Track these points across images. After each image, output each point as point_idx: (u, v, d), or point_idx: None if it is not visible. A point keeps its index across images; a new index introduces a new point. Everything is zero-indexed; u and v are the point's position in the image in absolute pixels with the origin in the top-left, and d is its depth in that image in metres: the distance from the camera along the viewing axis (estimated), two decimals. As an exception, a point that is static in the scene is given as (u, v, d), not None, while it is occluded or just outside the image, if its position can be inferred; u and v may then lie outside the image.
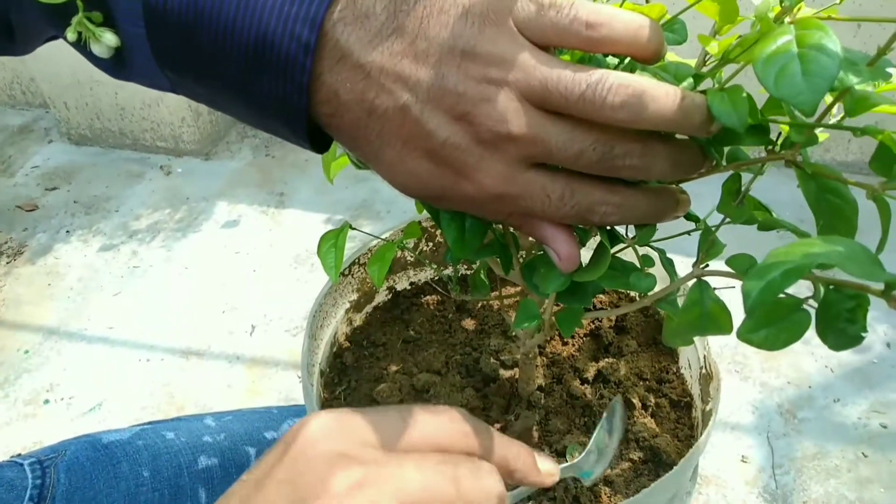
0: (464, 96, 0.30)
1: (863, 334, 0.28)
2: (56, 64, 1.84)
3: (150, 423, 0.64)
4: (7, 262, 1.62)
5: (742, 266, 0.32)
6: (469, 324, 0.62)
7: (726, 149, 0.35)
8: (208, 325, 1.40)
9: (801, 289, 0.31)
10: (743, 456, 1.05)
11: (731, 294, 0.36)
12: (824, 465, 1.03)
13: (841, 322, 0.26)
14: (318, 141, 0.35)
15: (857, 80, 0.26)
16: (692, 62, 0.38)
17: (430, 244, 0.63)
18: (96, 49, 0.32)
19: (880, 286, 0.24)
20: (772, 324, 0.29)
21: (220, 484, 0.60)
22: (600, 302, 0.63)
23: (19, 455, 0.57)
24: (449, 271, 0.54)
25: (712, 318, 0.35)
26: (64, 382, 1.31)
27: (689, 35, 0.37)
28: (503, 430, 0.51)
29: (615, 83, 0.29)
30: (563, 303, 0.39)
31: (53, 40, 0.41)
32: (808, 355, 1.19)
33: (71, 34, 0.31)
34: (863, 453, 1.04)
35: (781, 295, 0.31)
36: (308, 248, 1.56)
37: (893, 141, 0.28)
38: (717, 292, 0.36)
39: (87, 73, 1.83)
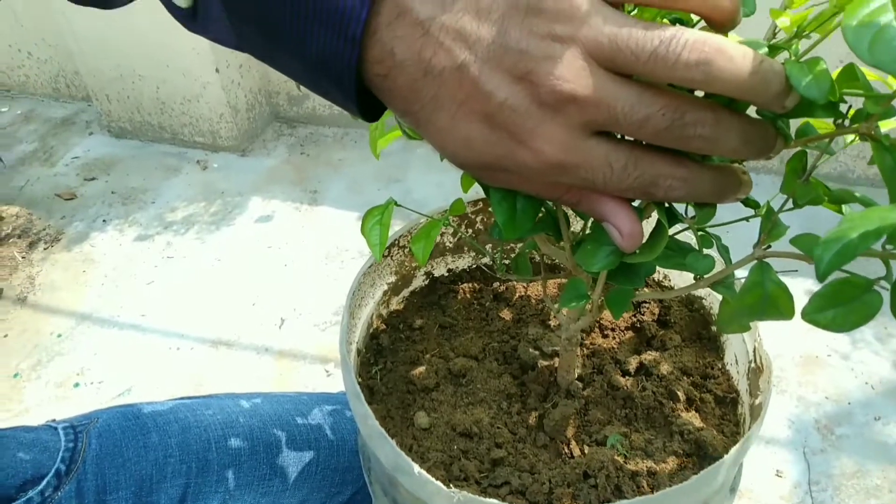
0: (526, 54, 0.28)
1: None
2: (100, 58, 1.88)
3: (183, 398, 0.64)
4: (44, 248, 1.65)
5: (808, 246, 0.30)
6: (506, 313, 0.61)
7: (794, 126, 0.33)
8: (238, 317, 1.41)
9: (871, 269, 0.30)
10: (778, 470, 1.02)
11: (792, 279, 0.35)
12: (864, 483, 1.00)
13: (919, 299, 0.25)
14: (369, 109, 0.34)
15: None
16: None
17: (470, 231, 0.63)
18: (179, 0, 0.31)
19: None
20: (840, 304, 0.28)
21: (248, 463, 0.60)
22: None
23: (54, 420, 0.58)
24: (489, 249, 0.53)
25: (773, 302, 0.33)
26: (95, 367, 1.33)
27: (756, 7, 0.36)
28: (540, 418, 0.50)
29: (690, 39, 0.27)
30: (614, 283, 0.38)
31: None
32: (848, 371, 1.16)
33: None
34: (905, 474, 1.01)
35: (851, 272, 0.29)
36: (339, 245, 1.56)
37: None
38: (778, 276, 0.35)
39: (130, 67, 1.87)
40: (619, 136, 0.32)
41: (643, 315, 0.59)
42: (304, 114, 2.01)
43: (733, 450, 0.38)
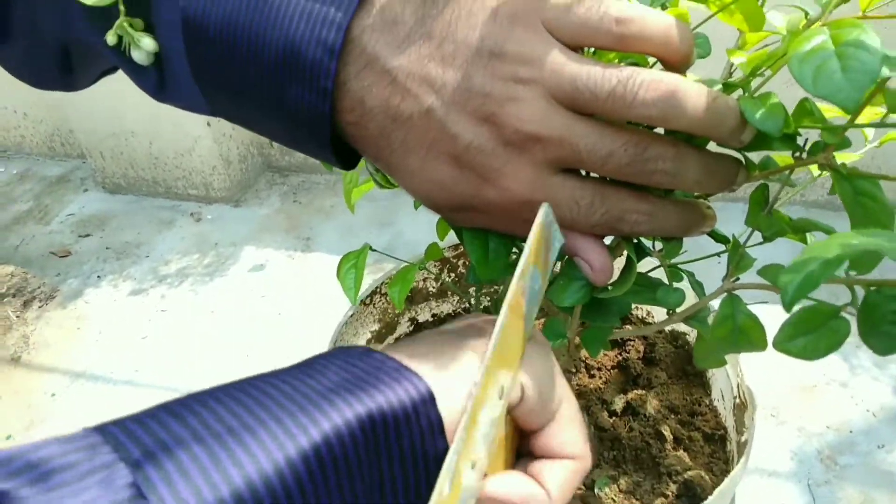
0: (490, 96, 0.29)
1: None
2: (94, 117, 1.91)
3: None
4: (39, 307, 1.65)
5: (774, 276, 0.31)
6: (493, 356, 0.60)
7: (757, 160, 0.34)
8: (232, 368, 1.40)
9: (835, 297, 0.30)
10: (783, 505, 1.00)
11: (762, 310, 0.35)
12: (871, 515, 0.98)
13: (886, 325, 0.25)
14: (346, 157, 0.35)
15: (893, 73, 0.25)
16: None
17: (453, 275, 0.63)
18: (136, 55, 0.32)
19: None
20: (809, 332, 0.28)
21: None
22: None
23: None
24: (472, 292, 0.53)
25: (744, 333, 0.33)
26: (88, 426, 1.31)
27: (711, 50, 0.37)
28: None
29: (647, 79, 0.28)
30: (588, 321, 0.38)
31: (110, 74, 0.42)
32: (848, 399, 1.14)
33: (111, 37, 0.31)
34: (912, 503, 0.99)
35: (818, 300, 0.30)
36: (332, 292, 1.56)
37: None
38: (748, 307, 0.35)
39: (123, 125, 1.89)
40: (585, 175, 0.33)
41: (628, 353, 0.59)
42: (296, 162, 2.03)
43: (717, 492, 0.38)
